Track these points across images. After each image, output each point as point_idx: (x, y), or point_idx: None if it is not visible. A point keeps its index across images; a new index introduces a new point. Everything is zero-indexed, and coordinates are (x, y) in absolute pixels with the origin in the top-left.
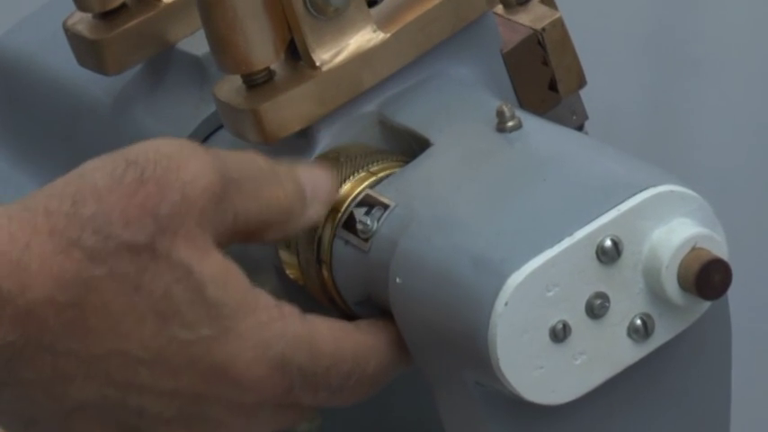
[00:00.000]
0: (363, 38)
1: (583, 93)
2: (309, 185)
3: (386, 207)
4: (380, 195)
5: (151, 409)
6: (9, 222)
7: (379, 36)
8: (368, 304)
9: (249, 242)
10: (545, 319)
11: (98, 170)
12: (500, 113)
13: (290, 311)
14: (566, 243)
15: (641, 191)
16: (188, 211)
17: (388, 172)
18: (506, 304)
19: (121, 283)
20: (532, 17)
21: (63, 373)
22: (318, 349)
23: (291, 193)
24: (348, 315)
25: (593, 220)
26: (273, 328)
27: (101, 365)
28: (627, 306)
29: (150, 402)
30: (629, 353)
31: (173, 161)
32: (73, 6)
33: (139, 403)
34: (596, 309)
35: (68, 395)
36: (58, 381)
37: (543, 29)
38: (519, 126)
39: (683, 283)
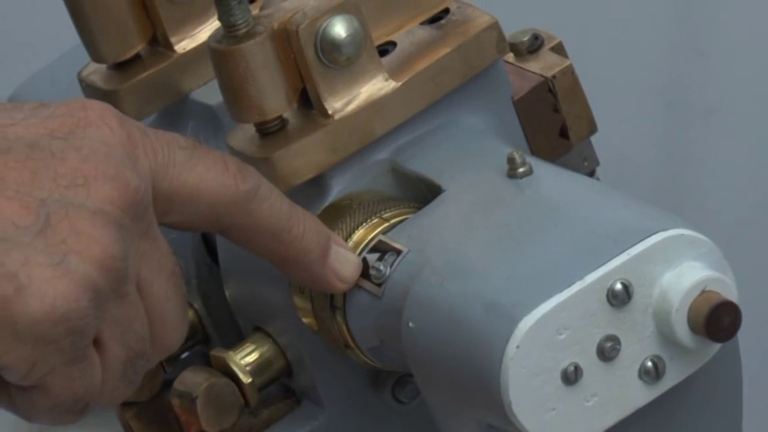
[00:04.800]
0: (375, 86)
1: (594, 139)
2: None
3: (399, 253)
4: (393, 241)
5: None
6: None
7: (391, 85)
8: (381, 350)
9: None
10: (557, 362)
11: None
12: (511, 160)
13: None
14: (576, 287)
15: (651, 235)
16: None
17: (400, 218)
18: (518, 347)
19: None
20: (543, 65)
21: None
22: None
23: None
24: (363, 362)
25: (604, 264)
26: None
27: None
28: (638, 349)
29: None
30: (641, 395)
31: None
32: (87, 57)
33: None
34: (607, 351)
35: None
36: None
37: (554, 76)
38: (530, 172)
39: (693, 325)
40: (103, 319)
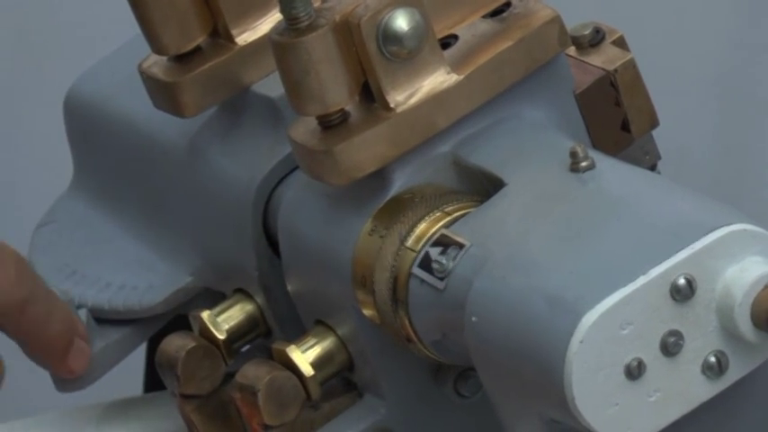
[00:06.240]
0: (437, 80)
1: (655, 133)
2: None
3: (461, 246)
4: (456, 235)
5: None
6: None
7: (453, 78)
8: (444, 344)
9: None
10: (620, 357)
11: None
12: (573, 154)
13: None
14: (640, 282)
15: (714, 230)
16: None
17: (462, 212)
18: (581, 342)
19: None
20: (604, 58)
21: None
22: None
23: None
24: (425, 355)
25: (667, 258)
26: None
27: None
28: (701, 344)
29: None
30: (704, 390)
31: None
32: (147, 49)
33: None
34: (670, 346)
35: None
36: None
37: (616, 70)
38: (592, 166)
39: (756, 320)
40: None
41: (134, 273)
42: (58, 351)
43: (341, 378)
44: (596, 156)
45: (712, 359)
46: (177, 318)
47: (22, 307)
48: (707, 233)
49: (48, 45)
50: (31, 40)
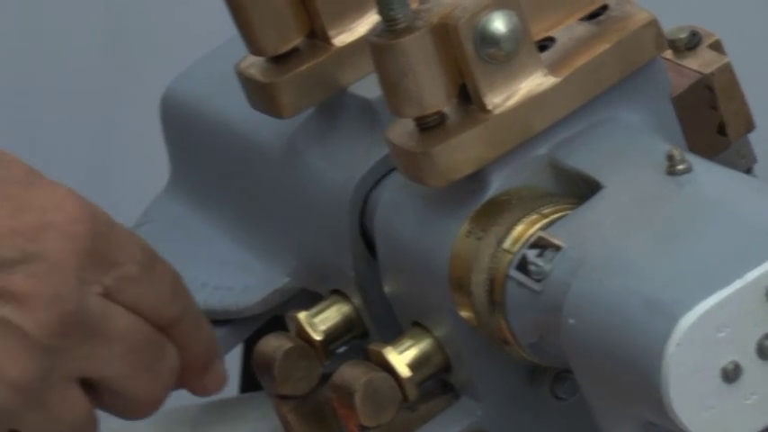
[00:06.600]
0: (534, 82)
1: (750, 136)
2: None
3: (558, 249)
4: (553, 237)
5: None
6: None
7: (550, 80)
8: (540, 346)
9: None
10: (716, 360)
11: None
12: (670, 157)
13: None
14: (737, 285)
15: None
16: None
17: (559, 214)
18: (678, 345)
19: None
20: (701, 62)
21: None
22: None
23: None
24: (521, 357)
25: (764, 262)
26: None
27: None
28: None
29: None
30: None
31: None
32: (243, 50)
33: None
34: (767, 350)
35: None
36: None
37: (712, 73)
38: (689, 169)
39: None
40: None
41: (230, 273)
42: (197, 371)
43: (438, 379)
44: (693, 159)
45: None
46: (273, 319)
47: (171, 325)
48: None
49: (145, 46)
50: (128, 41)
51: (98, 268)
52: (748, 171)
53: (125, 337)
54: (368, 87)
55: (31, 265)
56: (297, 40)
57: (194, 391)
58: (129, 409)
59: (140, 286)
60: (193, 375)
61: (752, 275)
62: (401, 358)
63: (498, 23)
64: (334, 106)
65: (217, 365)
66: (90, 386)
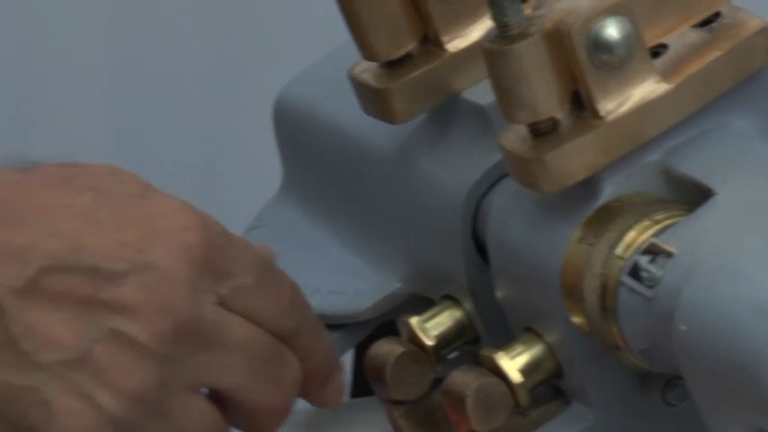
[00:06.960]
0: (647, 88)
1: None
2: None
3: (670, 255)
4: (665, 243)
5: None
6: None
7: (663, 87)
8: (651, 352)
9: None
10: None
11: None
12: None
13: None
14: None
15: None
16: None
17: (671, 221)
18: None
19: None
20: None
21: None
22: None
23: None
24: (632, 363)
25: None
26: None
27: None
28: None
29: None
30: None
31: None
32: (355, 55)
33: None
34: None
35: None
36: None
37: None
38: None
39: None
40: None
41: (342, 278)
42: (317, 382)
43: (549, 385)
44: None
45: None
46: (384, 324)
47: (291, 336)
48: None
49: (258, 50)
50: (241, 45)
51: (212, 278)
52: None
53: (244, 347)
54: (481, 93)
55: (141, 276)
56: (410, 46)
57: (314, 402)
58: (257, 422)
59: (257, 297)
60: (314, 386)
61: None
62: (513, 364)
63: (612, 30)
64: (446, 112)
65: (337, 376)
66: (218, 400)
